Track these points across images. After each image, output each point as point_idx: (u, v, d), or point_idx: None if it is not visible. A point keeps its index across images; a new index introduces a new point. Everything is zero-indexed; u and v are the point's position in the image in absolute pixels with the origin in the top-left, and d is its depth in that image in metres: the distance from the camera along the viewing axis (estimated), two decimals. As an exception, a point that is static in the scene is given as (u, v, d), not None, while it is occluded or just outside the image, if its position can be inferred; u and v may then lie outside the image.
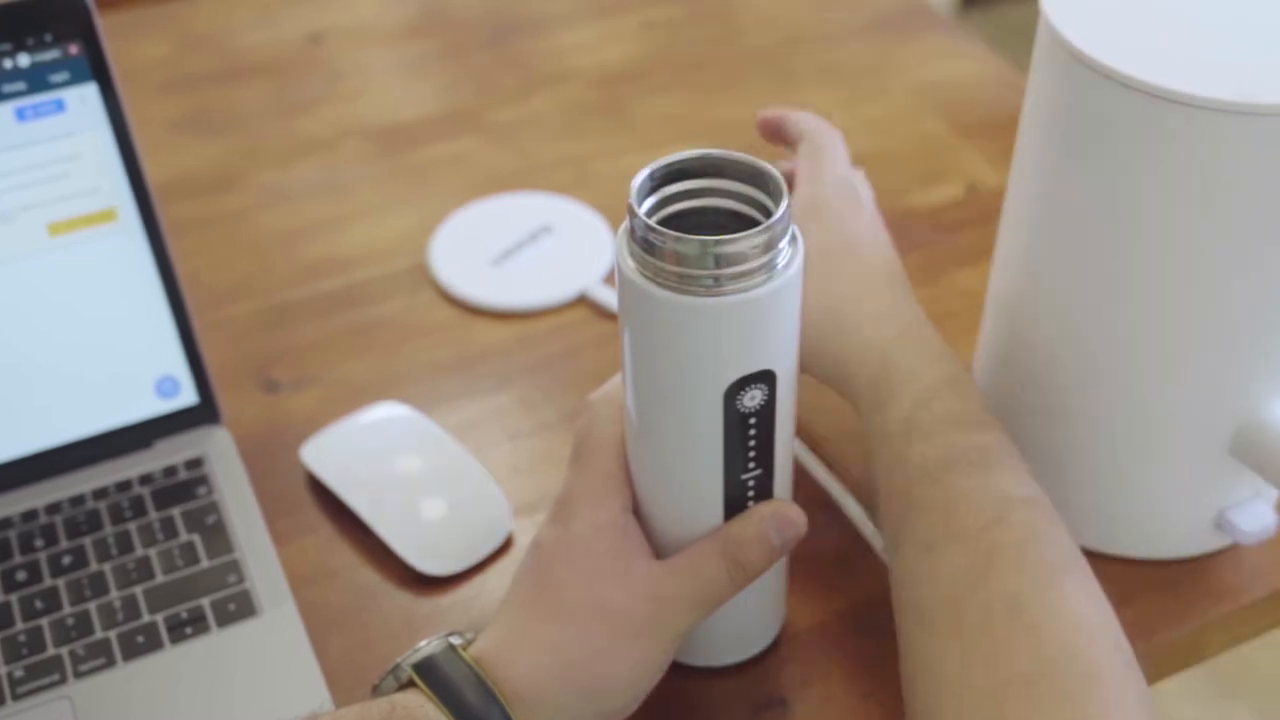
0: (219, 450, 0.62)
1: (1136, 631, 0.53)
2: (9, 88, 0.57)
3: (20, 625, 0.55)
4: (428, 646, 0.45)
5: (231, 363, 0.68)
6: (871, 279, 0.53)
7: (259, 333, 0.71)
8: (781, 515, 0.47)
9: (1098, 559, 0.55)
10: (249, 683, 0.53)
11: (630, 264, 0.42)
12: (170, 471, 0.61)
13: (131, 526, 0.59)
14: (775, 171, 0.42)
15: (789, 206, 0.41)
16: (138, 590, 0.56)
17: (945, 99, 0.89)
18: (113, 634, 0.54)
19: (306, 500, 0.61)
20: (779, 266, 0.41)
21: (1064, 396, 0.53)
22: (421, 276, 0.74)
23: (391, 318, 0.72)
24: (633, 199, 0.42)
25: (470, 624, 0.55)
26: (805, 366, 0.49)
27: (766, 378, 0.43)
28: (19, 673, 0.53)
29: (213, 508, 0.59)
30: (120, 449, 0.62)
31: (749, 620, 0.52)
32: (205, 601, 0.55)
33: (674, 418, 0.44)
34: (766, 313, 0.42)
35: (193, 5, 1.01)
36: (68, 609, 0.55)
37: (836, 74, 0.92)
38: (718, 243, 0.40)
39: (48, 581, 0.56)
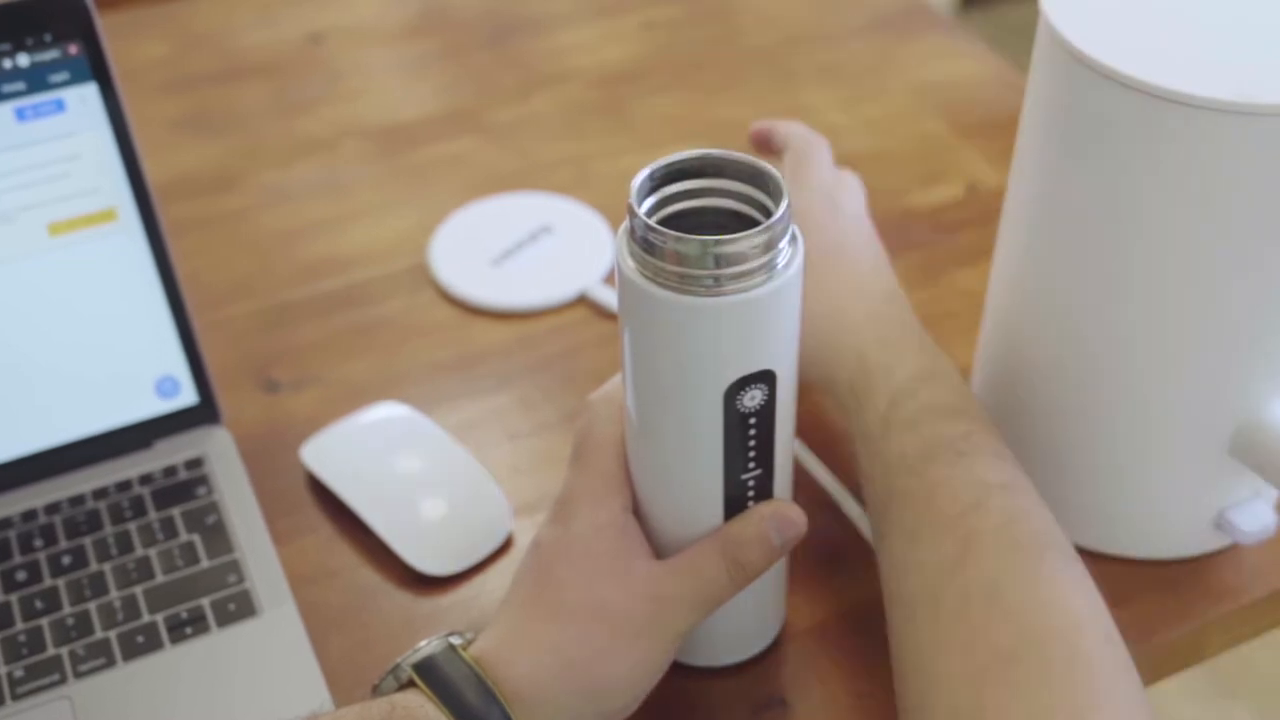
0: (219, 450, 0.62)
1: (1136, 631, 0.54)
2: (9, 88, 0.57)
3: (20, 625, 0.55)
4: (428, 646, 0.45)
5: (231, 363, 0.68)
6: (850, 284, 0.54)
7: (259, 333, 0.71)
8: (781, 515, 0.47)
9: (1098, 559, 0.56)
10: (249, 683, 0.53)
11: (630, 264, 0.42)
12: (170, 471, 0.61)
13: (131, 526, 0.59)
14: (775, 171, 0.42)
15: (789, 206, 0.41)
16: (138, 590, 0.56)
17: (945, 99, 0.89)
18: (112, 634, 0.54)
19: (306, 500, 0.61)
20: (779, 266, 0.41)
21: (1064, 396, 0.53)
22: (421, 276, 0.74)
23: (391, 318, 0.72)
24: (633, 199, 0.42)
25: (470, 624, 0.55)
26: None
27: (766, 378, 0.43)
28: (19, 673, 0.53)
29: (213, 508, 0.59)
30: (120, 449, 0.62)
31: (749, 620, 0.52)
32: (205, 601, 0.55)
33: (674, 418, 0.44)
34: (767, 313, 0.42)
35: (193, 5, 1.01)
36: (67, 609, 0.55)
37: (836, 74, 0.92)
38: (718, 243, 0.40)
39: (48, 581, 0.56)
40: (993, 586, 0.43)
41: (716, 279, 0.40)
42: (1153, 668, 0.55)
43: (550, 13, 0.99)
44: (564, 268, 0.74)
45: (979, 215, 0.78)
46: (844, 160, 0.63)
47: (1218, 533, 0.55)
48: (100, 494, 0.60)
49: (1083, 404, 0.52)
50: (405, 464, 0.61)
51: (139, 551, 0.57)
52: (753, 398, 0.43)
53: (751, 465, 0.46)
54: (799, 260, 0.42)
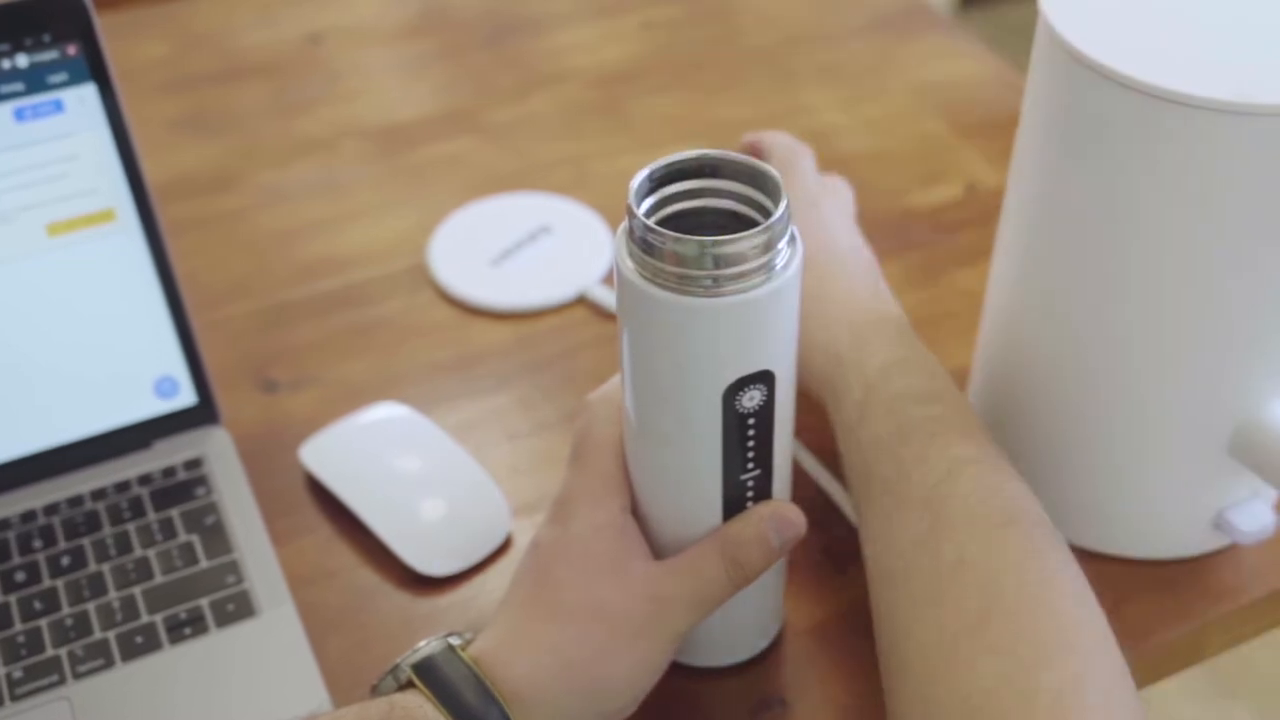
0: (218, 451, 0.62)
1: (1136, 631, 0.54)
2: (7, 88, 0.57)
3: (19, 626, 0.55)
4: (426, 647, 0.45)
5: (230, 363, 0.68)
6: (831, 287, 0.56)
7: (258, 333, 0.71)
8: (780, 516, 0.47)
9: (1096, 559, 0.56)
10: (247, 683, 0.53)
11: (629, 264, 0.42)
12: (169, 472, 0.61)
13: (130, 527, 0.59)
14: (774, 172, 0.42)
15: (788, 207, 0.41)
16: (136, 591, 0.56)
17: (945, 99, 0.89)
18: (111, 634, 0.54)
19: (305, 500, 0.61)
20: (778, 267, 0.41)
21: (1063, 396, 0.53)
22: (420, 276, 0.74)
23: (390, 318, 0.72)
24: (631, 199, 0.42)
25: (469, 624, 0.55)
26: None
27: (765, 378, 0.43)
28: (18, 674, 0.53)
29: (211, 508, 0.59)
30: (119, 449, 0.62)
31: (749, 620, 0.52)
32: (204, 602, 0.55)
33: (673, 418, 0.44)
34: (765, 313, 0.42)
35: (192, 5, 1.01)
36: (66, 610, 0.55)
37: (836, 74, 0.92)
38: (716, 243, 0.40)
39: (46, 582, 0.56)
40: (960, 556, 0.44)
41: (715, 279, 0.40)
42: (1152, 668, 0.55)
43: (549, 13, 0.99)
44: (563, 268, 0.74)
45: (978, 215, 0.78)
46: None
47: (1217, 533, 0.55)
48: (99, 494, 0.60)
49: (1082, 404, 0.52)
50: (404, 464, 0.61)
51: (138, 552, 0.57)
52: (751, 398, 0.43)
53: (750, 466, 0.46)
54: (798, 261, 0.42)
